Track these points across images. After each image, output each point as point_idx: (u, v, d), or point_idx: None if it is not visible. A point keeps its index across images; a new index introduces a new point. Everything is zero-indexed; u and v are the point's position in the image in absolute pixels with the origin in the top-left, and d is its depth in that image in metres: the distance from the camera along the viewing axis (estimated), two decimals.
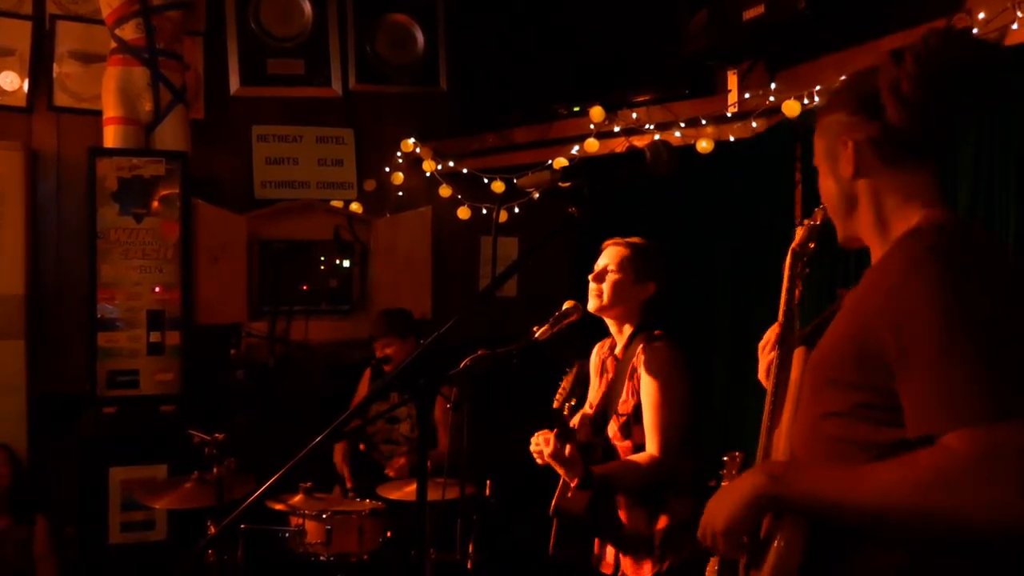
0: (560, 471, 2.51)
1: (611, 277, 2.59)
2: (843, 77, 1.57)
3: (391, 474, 3.87)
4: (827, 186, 1.49)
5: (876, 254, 1.44)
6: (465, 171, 4.69)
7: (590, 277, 2.63)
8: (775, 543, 1.30)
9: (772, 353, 1.80)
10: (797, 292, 1.84)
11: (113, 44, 4.29)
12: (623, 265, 2.59)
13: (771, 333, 1.85)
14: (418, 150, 4.82)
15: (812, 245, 1.89)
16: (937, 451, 1.14)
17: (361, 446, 4.07)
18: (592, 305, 2.60)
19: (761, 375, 1.86)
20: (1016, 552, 1.19)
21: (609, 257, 2.63)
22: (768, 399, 1.73)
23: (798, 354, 1.58)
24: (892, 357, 1.23)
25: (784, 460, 1.43)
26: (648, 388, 2.49)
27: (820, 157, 1.50)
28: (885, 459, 1.22)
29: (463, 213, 4.76)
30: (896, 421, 1.23)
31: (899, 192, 1.40)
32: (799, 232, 1.93)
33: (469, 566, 2.85)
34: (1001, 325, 1.17)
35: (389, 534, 3.43)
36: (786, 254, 1.88)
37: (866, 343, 1.27)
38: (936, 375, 1.16)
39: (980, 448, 1.10)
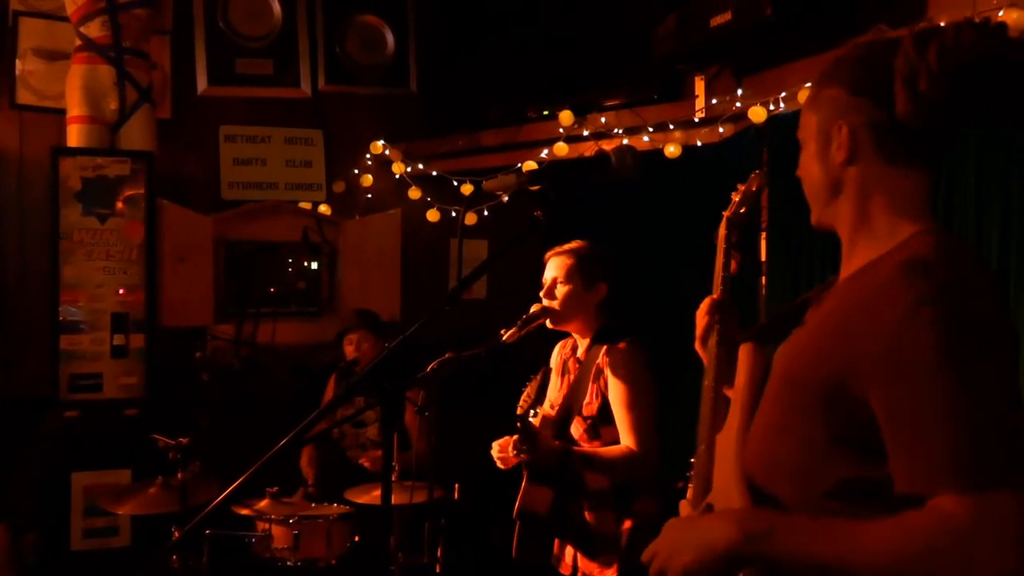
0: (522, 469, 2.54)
1: (562, 289, 2.60)
2: (853, 44, 1.36)
3: (366, 463, 3.83)
4: (810, 166, 1.37)
5: (851, 250, 1.35)
6: (435, 173, 4.68)
7: (541, 294, 2.63)
8: None
9: (706, 319, 1.78)
10: (734, 263, 1.81)
11: (78, 42, 4.22)
12: (571, 275, 2.60)
13: (706, 302, 1.81)
14: (387, 152, 4.81)
15: (744, 210, 1.86)
16: (934, 516, 1.09)
17: (335, 432, 4.00)
18: (549, 322, 2.60)
19: (697, 343, 1.81)
20: None
21: (555, 269, 2.63)
22: (709, 393, 1.65)
23: (747, 352, 1.46)
24: (881, 406, 1.16)
25: (763, 513, 1.27)
26: (617, 388, 2.50)
27: (809, 132, 1.37)
28: (871, 498, 1.18)
29: (432, 215, 4.75)
30: (880, 457, 1.17)
31: (889, 191, 1.29)
32: (733, 199, 1.91)
33: (438, 569, 2.85)
34: (1002, 386, 1.12)
35: (357, 538, 3.41)
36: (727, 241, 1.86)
37: (850, 382, 1.19)
38: (937, 434, 1.10)
39: (980, 516, 1.06)
